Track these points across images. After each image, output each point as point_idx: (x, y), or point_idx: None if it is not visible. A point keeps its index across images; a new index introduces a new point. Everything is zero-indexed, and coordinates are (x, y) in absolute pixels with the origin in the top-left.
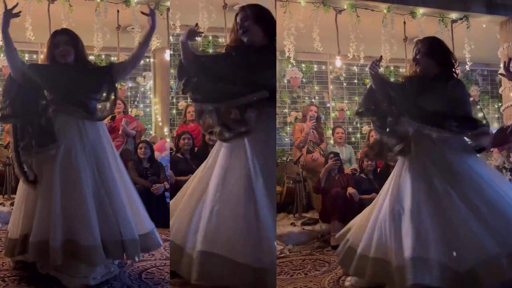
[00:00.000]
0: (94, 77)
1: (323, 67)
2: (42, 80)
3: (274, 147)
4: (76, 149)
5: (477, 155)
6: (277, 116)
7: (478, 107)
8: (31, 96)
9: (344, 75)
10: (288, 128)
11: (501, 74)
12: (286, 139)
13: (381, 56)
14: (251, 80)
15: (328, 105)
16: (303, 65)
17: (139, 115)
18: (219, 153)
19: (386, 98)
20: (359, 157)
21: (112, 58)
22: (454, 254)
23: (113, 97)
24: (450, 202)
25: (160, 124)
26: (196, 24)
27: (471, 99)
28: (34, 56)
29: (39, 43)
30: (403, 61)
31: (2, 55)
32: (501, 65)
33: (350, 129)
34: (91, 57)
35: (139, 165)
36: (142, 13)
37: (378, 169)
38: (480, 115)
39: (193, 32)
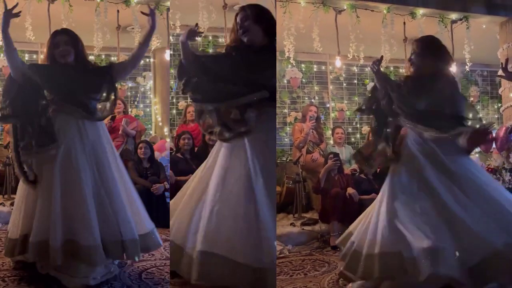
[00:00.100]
0: (94, 77)
1: (323, 68)
2: (42, 80)
3: (274, 147)
4: (76, 149)
5: (469, 156)
6: (276, 116)
7: (471, 105)
8: (31, 96)
9: (344, 75)
10: (288, 128)
11: (499, 76)
12: (286, 139)
13: (382, 56)
14: (251, 80)
15: (328, 105)
16: (302, 65)
17: (139, 115)
18: (219, 153)
19: (386, 96)
20: None
21: (112, 58)
22: (457, 254)
23: (113, 97)
24: (450, 197)
25: (160, 124)
26: (196, 24)
27: (471, 99)
28: (34, 56)
29: (39, 43)
30: (403, 61)
31: (2, 55)
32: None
33: (349, 130)
34: (91, 57)
35: (139, 165)
36: (142, 13)
37: (378, 170)
38: (471, 114)
39: (193, 32)
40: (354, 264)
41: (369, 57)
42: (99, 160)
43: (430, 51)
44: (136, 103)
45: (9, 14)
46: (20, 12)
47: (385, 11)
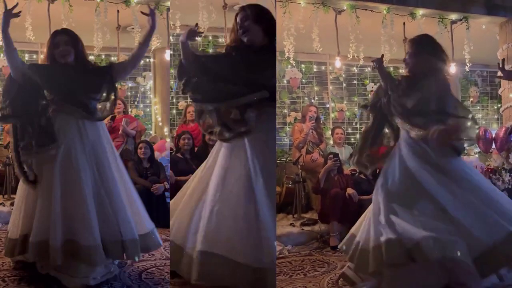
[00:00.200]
0: (94, 77)
1: (323, 68)
2: (42, 80)
3: (274, 147)
4: (76, 149)
5: (461, 157)
6: (276, 116)
7: (462, 104)
8: (31, 96)
9: (343, 75)
10: (288, 129)
11: (499, 76)
12: (286, 140)
13: (382, 55)
14: (251, 80)
15: (328, 105)
16: (302, 65)
17: (139, 115)
18: (219, 153)
19: (387, 95)
20: None
21: (112, 58)
22: (459, 254)
23: (113, 97)
24: (445, 196)
25: (160, 124)
26: (196, 24)
27: (471, 99)
28: (34, 56)
29: (39, 43)
30: (402, 62)
31: (2, 55)
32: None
33: (349, 130)
34: (91, 57)
35: (139, 165)
36: (142, 13)
37: (378, 170)
38: (462, 113)
39: (193, 32)
40: (364, 263)
41: (368, 57)
42: (99, 160)
43: (422, 50)
44: (136, 103)
45: (9, 14)
46: (20, 12)
47: (385, 12)
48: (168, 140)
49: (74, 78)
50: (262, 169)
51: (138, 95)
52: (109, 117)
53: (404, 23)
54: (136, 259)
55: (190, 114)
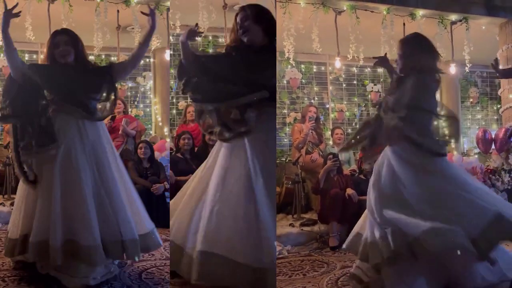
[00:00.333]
0: (94, 77)
1: (323, 68)
2: (42, 80)
3: (274, 147)
4: (76, 149)
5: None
6: (276, 116)
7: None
8: (31, 96)
9: (343, 76)
10: (287, 129)
11: (498, 77)
12: (285, 140)
13: (386, 53)
14: (251, 80)
15: (327, 106)
16: (302, 66)
17: (139, 115)
18: (219, 153)
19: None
20: (358, 158)
21: (112, 58)
22: (459, 252)
23: (113, 97)
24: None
25: (160, 124)
26: (196, 24)
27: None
28: (34, 56)
29: (39, 43)
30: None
31: (2, 55)
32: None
33: (349, 130)
34: (91, 57)
35: (139, 165)
36: (142, 13)
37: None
38: (438, 110)
39: (193, 32)
40: (377, 255)
41: (368, 58)
42: (99, 160)
43: (412, 50)
44: (136, 103)
45: (9, 14)
46: (20, 12)
47: (384, 12)
48: (168, 140)
49: (74, 78)
50: (262, 169)
51: (138, 95)
52: (109, 117)
53: (404, 24)
54: (136, 259)
55: (190, 114)
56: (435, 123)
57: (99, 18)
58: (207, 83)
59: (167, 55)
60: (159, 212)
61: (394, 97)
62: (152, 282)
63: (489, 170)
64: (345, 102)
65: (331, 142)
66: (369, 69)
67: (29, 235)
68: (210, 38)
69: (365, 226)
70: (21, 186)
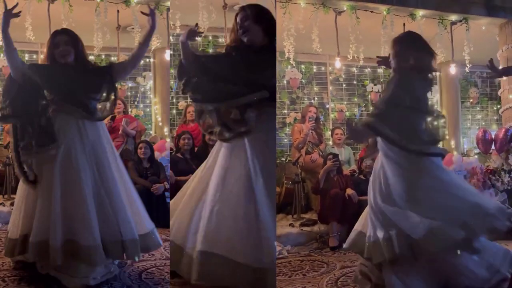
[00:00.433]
0: (94, 77)
1: (323, 68)
2: (42, 80)
3: (274, 147)
4: (76, 149)
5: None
6: (276, 116)
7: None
8: (31, 96)
9: (343, 76)
10: (287, 129)
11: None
12: (285, 140)
13: (390, 54)
14: (251, 80)
15: (327, 106)
16: (302, 66)
17: (139, 115)
18: (219, 153)
19: None
20: (358, 158)
21: (112, 58)
22: (459, 252)
23: (113, 97)
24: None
25: (160, 124)
26: (196, 24)
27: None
28: (34, 56)
29: (39, 43)
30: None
31: (2, 55)
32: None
33: None
34: (91, 57)
35: (139, 165)
36: (142, 13)
37: None
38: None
39: (193, 32)
40: (380, 255)
41: (368, 58)
42: (99, 160)
43: (404, 48)
44: (136, 103)
45: (9, 14)
46: (20, 12)
47: (385, 12)
48: (168, 140)
49: (74, 78)
50: (262, 169)
51: (138, 95)
52: (109, 117)
53: (404, 24)
54: (136, 259)
55: (190, 114)
56: (423, 122)
57: (99, 18)
58: (207, 83)
59: (167, 55)
60: (159, 212)
61: (385, 95)
62: (152, 282)
63: (489, 171)
64: (345, 102)
65: (331, 142)
66: (369, 69)
67: (29, 235)
68: (210, 38)
69: (366, 224)
70: (21, 186)
